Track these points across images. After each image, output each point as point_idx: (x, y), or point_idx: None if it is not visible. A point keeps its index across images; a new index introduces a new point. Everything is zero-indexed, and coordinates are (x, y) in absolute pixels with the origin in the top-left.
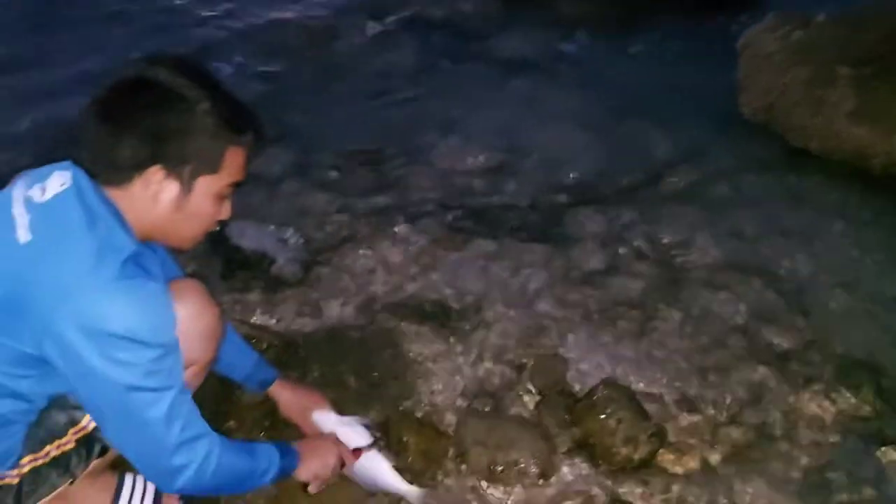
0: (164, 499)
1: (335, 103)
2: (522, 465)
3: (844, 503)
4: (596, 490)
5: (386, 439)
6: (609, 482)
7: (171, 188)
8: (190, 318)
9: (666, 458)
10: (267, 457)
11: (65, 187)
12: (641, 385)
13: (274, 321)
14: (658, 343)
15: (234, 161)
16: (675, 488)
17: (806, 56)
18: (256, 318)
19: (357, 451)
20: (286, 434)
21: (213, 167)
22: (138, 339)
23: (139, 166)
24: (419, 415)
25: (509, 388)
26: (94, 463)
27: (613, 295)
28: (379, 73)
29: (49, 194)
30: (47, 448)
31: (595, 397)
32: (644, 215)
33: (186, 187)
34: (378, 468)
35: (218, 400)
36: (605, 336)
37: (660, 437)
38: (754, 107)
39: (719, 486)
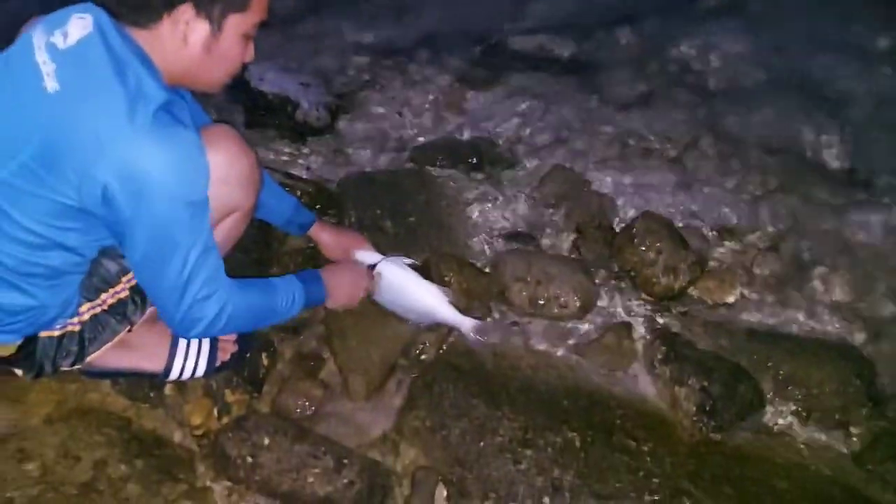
0: (220, 342)
1: None
2: (563, 299)
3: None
4: (637, 319)
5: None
6: (649, 311)
7: (201, 28)
8: (226, 164)
9: (706, 285)
10: (290, 292)
11: (88, 31)
12: (680, 216)
13: (304, 168)
14: (696, 172)
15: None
16: (715, 315)
17: None
18: (286, 166)
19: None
20: None
21: (242, 5)
22: (172, 187)
23: (169, 4)
24: (459, 254)
25: (546, 225)
26: (151, 310)
27: (649, 124)
28: None
29: (72, 39)
30: (102, 296)
31: (634, 229)
32: (680, 34)
33: (216, 26)
34: (418, 292)
35: (259, 247)
36: (642, 168)
37: (699, 265)
38: None
39: (759, 313)
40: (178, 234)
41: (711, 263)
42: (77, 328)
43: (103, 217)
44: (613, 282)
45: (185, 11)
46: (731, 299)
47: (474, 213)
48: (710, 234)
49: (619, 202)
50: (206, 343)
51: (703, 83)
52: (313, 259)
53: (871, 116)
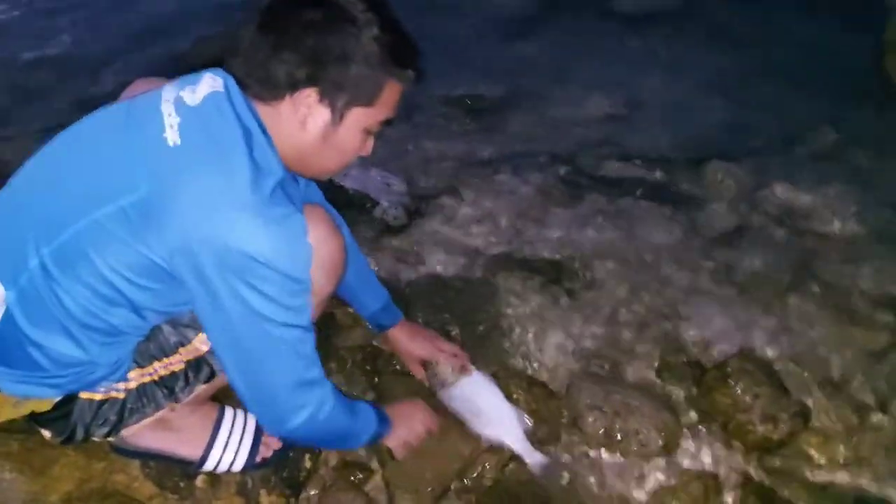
0: (264, 437)
1: (442, 47)
2: (643, 435)
3: None
4: (727, 469)
5: None
6: (741, 462)
7: (322, 115)
8: (315, 245)
9: (808, 440)
10: (366, 419)
11: (216, 90)
12: (778, 361)
13: (376, 265)
14: (796, 316)
15: (390, 96)
16: (818, 476)
17: None
18: None
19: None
20: (386, 381)
21: (369, 99)
22: (279, 269)
23: (294, 85)
24: (529, 372)
25: (627, 353)
26: (199, 390)
27: (744, 261)
28: (490, 20)
29: (200, 96)
30: (155, 365)
31: (728, 368)
32: (778, 178)
33: (337, 116)
34: (495, 404)
35: (319, 338)
36: (735, 304)
37: (803, 417)
38: None
39: (867, 479)
40: (281, 313)
41: (815, 417)
42: (121, 395)
43: (191, 285)
44: (701, 424)
45: (309, 95)
46: (837, 460)
47: (548, 330)
48: (812, 384)
49: (710, 337)
50: (248, 435)
51: (800, 227)
52: (373, 359)
53: None
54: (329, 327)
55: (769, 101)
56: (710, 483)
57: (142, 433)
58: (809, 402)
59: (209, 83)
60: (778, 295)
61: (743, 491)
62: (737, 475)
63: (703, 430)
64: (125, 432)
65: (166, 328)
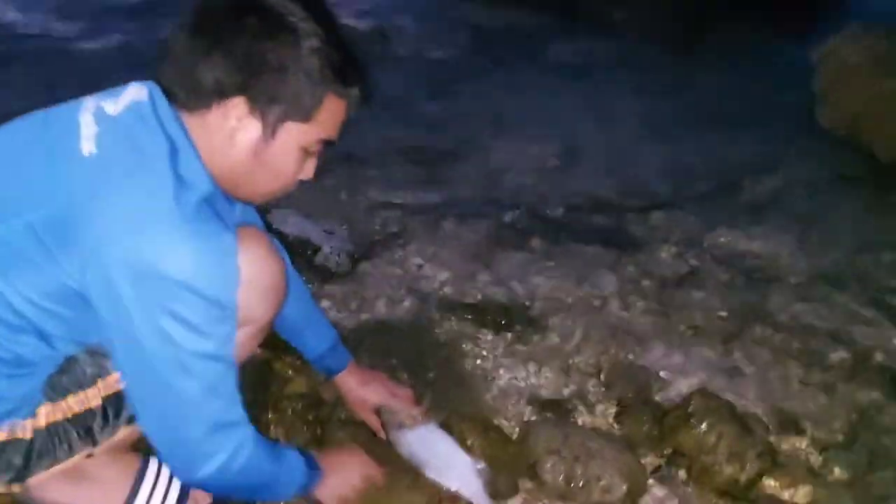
0: (193, 492)
1: (382, 98)
2: (606, 481)
3: None
4: None
5: None
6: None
7: (252, 128)
8: (251, 267)
9: (774, 482)
10: (292, 468)
11: (140, 100)
12: (736, 400)
13: None
14: (750, 356)
15: (330, 114)
16: None
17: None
18: None
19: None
20: (331, 431)
21: (304, 115)
22: (200, 291)
23: (222, 93)
24: (482, 417)
25: (582, 397)
26: (120, 433)
27: (694, 302)
28: (428, 72)
29: (122, 106)
30: (69, 400)
31: (690, 408)
32: (721, 223)
33: (269, 131)
34: (453, 455)
35: (255, 388)
36: (690, 345)
37: (770, 457)
38: (835, 119)
39: None
40: (199, 342)
41: (780, 457)
42: (28, 435)
43: (100, 307)
44: (665, 467)
45: (238, 106)
46: (803, 500)
47: (501, 374)
48: (773, 421)
49: (667, 378)
50: (174, 490)
51: (745, 270)
52: (316, 408)
53: None
54: (267, 373)
55: (707, 146)
56: None
57: (52, 485)
58: (773, 441)
59: (133, 92)
60: (732, 335)
61: None
62: None
63: (667, 473)
64: (33, 481)
65: (82, 357)
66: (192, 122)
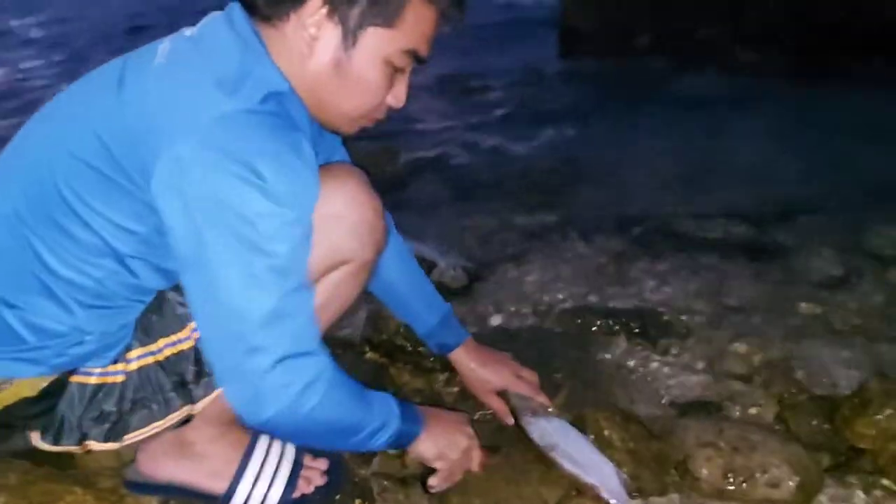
0: (303, 470)
1: (494, 132)
2: (772, 473)
3: None
4: None
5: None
6: None
7: (332, 33)
8: (345, 199)
9: None
10: (384, 412)
11: (215, 17)
12: None
13: None
14: None
15: (417, 21)
16: None
17: None
18: None
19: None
20: None
21: (388, 19)
22: (267, 187)
23: None
24: (622, 410)
25: (735, 398)
26: (217, 393)
27: (855, 302)
28: (546, 110)
29: (198, 27)
30: (160, 342)
31: (867, 394)
32: (879, 225)
33: (350, 37)
34: (589, 448)
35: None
36: (853, 343)
37: None
38: None
39: None
40: (260, 248)
41: None
42: (120, 378)
43: (168, 214)
44: (841, 465)
45: (315, 9)
46: None
47: (639, 377)
48: None
49: (833, 374)
50: (286, 466)
51: None
52: (433, 399)
53: None
54: (381, 374)
55: (853, 162)
56: None
57: (158, 460)
58: None
59: (212, 14)
60: None
61: None
62: None
63: (845, 466)
64: (130, 439)
65: (172, 296)
66: (272, 34)
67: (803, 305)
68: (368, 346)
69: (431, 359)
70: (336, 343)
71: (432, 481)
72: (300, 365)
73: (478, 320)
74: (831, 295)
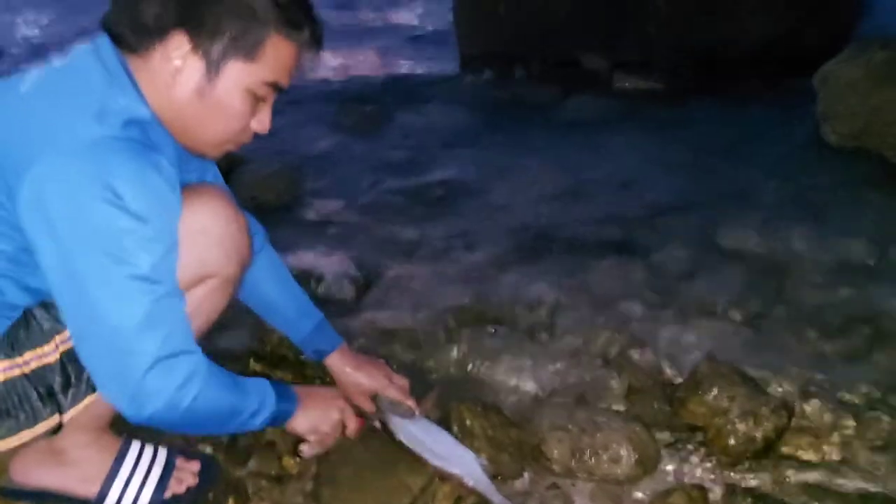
0: (175, 472)
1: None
2: (614, 450)
3: None
4: (710, 480)
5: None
6: (728, 473)
7: (195, 66)
8: (209, 216)
9: (797, 442)
10: (259, 395)
11: (83, 47)
12: (752, 367)
13: None
14: (765, 330)
15: (277, 54)
16: (815, 476)
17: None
18: None
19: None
20: None
21: (249, 53)
22: (123, 205)
23: (162, 29)
24: (483, 401)
25: (592, 384)
26: (89, 405)
27: (708, 292)
28: (433, 136)
29: (67, 56)
30: (26, 355)
31: (698, 376)
32: (732, 225)
33: (213, 68)
34: (450, 442)
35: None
36: (704, 326)
37: (786, 411)
38: (842, 135)
39: (870, 477)
40: (127, 261)
41: (799, 416)
42: None
43: (29, 227)
44: (678, 441)
45: (179, 43)
46: (833, 458)
47: (506, 366)
48: (791, 386)
49: (680, 357)
50: (157, 466)
51: (760, 262)
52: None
53: None
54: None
55: (716, 174)
56: (696, 494)
57: (30, 467)
58: (791, 402)
59: (80, 44)
60: (744, 315)
61: (732, 499)
62: (721, 485)
63: (680, 446)
64: (3, 451)
65: (39, 313)
66: (139, 64)
67: (661, 298)
68: (253, 358)
69: (313, 367)
70: (221, 355)
71: (303, 447)
72: (175, 364)
73: (365, 328)
74: (684, 285)
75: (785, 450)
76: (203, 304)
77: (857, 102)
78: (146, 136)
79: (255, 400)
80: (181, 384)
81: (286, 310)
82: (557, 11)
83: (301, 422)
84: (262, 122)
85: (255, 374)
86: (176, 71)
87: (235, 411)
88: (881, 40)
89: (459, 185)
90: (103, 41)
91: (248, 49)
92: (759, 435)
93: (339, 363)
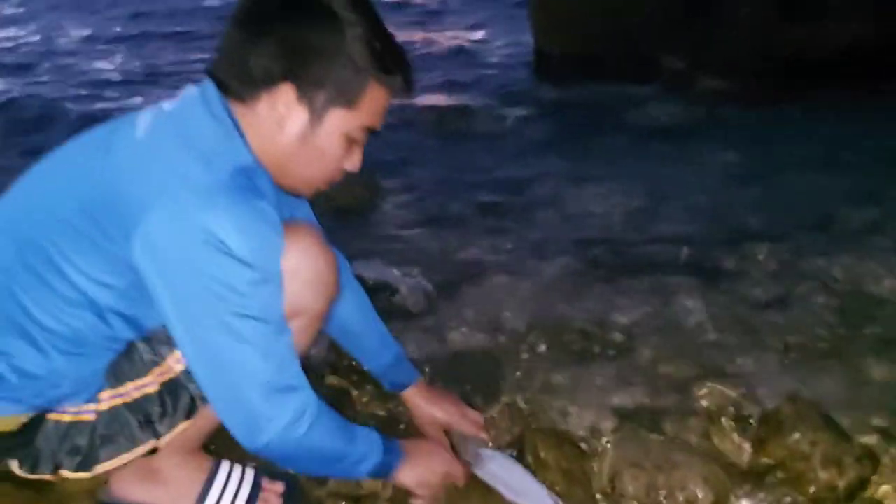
0: (262, 493)
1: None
2: (691, 490)
3: None
4: None
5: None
6: None
7: (300, 114)
8: (299, 256)
9: (884, 488)
10: (367, 444)
11: (192, 94)
12: (835, 409)
13: None
14: (853, 367)
15: (374, 101)
16: None
17: None
18: None
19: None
20: None
21: (349, 101)
22: (231, 252)
23: (270, 80)
24: (557, 432)
25: (668, 411)
26: (182, 426)
27: (790, 324)
28: (508, 143)
29: (176, 102)
30: (128, 385)
31: (780, 416)
32: (819, 251)
33: (316, 116)
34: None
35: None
36: (786, 360)
37: (871, 461)
38: None
39: None
40: (241, 303)
41: (885, 461)
42: (91, 417)
43: (146, 271)
44: (757, 478)
45: (286, 93)
46: None
47: (581, 392)
48: (879, 432)
49: (761, 392)
50: (245, 488)
51: (849, 292)
52: (390, 428)
53: None
54: (344, 403)
55: (802, 191)
56: None
57: (127, 484)
58: (876, 448)
59: (188, 89)
60: (831, 348)
61: None
62: None
63: (759, 484)
64: (101, 468)
65: (141, 346)
66: (244, 111)
67: (740, 325)
68: (330, 371)
69: None
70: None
71: (415, 502)
72: (288, 398)
73: (436, 345)
74: (767, 315)
75: (870, 495)
76: (294, 339)
77: None
78: (251, 182)
79: (362, 447)
80: (295, 415)
81: (368, 342)
82: (639, 10)
83: (408, 475)
84: (353, 162)
85: (332, 387)
86: (281, 118)
87: (341, 455)
88: None
89: (534, 194)
90: (209, 88)
91: (350, 98)
92: (841, 484)
93: (415, 397)
